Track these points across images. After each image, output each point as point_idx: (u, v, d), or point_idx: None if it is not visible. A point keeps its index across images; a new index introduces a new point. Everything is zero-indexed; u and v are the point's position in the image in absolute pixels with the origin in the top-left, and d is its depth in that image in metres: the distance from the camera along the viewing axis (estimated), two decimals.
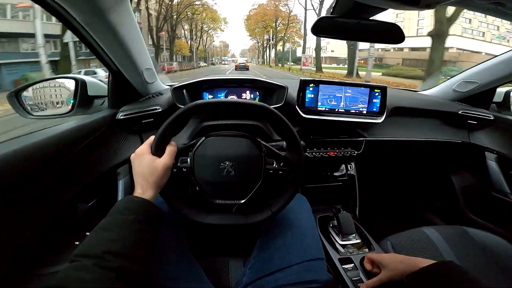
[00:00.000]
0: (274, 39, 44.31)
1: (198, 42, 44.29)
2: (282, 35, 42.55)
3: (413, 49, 26.30)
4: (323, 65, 25.75)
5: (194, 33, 41.14)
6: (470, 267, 0.78)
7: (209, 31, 48.70)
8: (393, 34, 0.78)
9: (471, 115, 1.33)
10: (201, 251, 0.84)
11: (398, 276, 0.66)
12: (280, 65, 41.11)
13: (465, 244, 0.88)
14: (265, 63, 57.02)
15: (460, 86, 1.35)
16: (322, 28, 0.82)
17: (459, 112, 1.33)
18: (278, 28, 43.15)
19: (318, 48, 24.65)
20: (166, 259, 0.65)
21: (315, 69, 23.58)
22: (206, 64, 47.08)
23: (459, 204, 1.44)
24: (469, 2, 0.63)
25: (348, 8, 0.77)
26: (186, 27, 37.94)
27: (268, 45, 51.66)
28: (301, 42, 37.64)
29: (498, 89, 1.34)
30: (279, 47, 48.20)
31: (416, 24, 26.19)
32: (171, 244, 0.69)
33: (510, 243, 0.87)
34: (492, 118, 1.31)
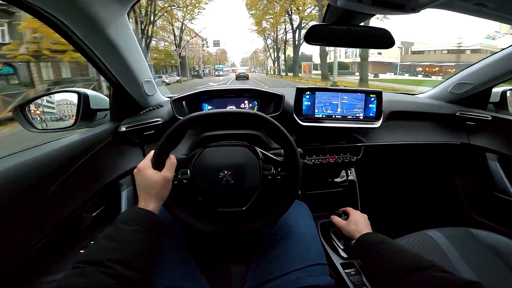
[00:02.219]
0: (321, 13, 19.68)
1: (146, 32, 21.65)
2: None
3: None
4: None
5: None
6: (478, 269, 0.78)
7: (186, 14, 26.54)
8: (383, 39, 0.81)
9: (469, 116, 1.33)
10: (204, 259, 0.84)
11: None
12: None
13: (471, 245, 0.87)
14: (280, 73, 39.15)
15: (455, 87, 1.36)
16: (315, 36, 0.85)
17: (457, 114, 1.34)
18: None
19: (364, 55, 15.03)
20: (169, 268, 0.66)
21: None
22: (180, 78, 28.41)
23: (463, 206, 1.43)
24: (452, 4, 0.65)
25: (338, 15, 0.80)
26: None
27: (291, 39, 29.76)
28: None
29: (494, 89, 1.35)
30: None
31: None
32: (173, 253, 0.70)
33: None
34: (489, 119, 1.31)
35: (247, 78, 29.60)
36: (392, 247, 0.64)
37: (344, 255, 0.94)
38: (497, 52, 1.19)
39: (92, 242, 0.83)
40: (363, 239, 0.73)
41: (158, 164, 0.63)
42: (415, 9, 0.64)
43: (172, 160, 0.65)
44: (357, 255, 0.75)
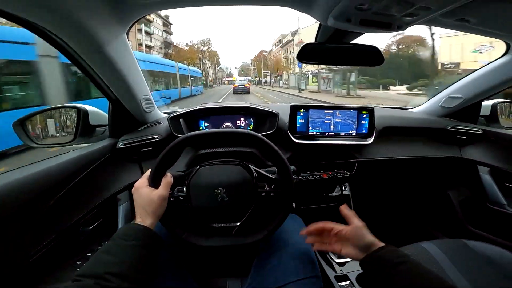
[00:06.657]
0: None
1: None
2: None
3: None
4: None
5: None
6: (473, 280, 0.78)
7: None
8: (372, 56, 0.84)
9: (460, 130, 1.36)
10: (200, 272, 0.84)
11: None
12: None
13: (467, 257, 0.87)
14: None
15: (446, 101, 1.39)
16: (307, 55, 0.89)
17: (448, 128, 1.36)
18: None
19: None
20: (165, 281, 0.67)
21: None
22: None
23: (458, 218, 1.44)
24: (436, 20, 0.69)
25: (329, 34, 0.84)
26: None
27: None
28: None
29: (484, 103, 1.38)
30: None
31: None
32: (169, 267, 0.71)
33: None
34: (480, 132, 1.34)
35: (248, 92, 24.01)
36: (414, 271, 0.54)
37: (338, 268, 0.94)
38: (484, 66, 1.22)
39: (89, 254, 0.85)
40: (380, 254, 0.59)
41: (154, 183, 0.65)
42: (401, 27, 0.68)
43: (168, 178, 0.67)
44: (367, 269, 0.60)
